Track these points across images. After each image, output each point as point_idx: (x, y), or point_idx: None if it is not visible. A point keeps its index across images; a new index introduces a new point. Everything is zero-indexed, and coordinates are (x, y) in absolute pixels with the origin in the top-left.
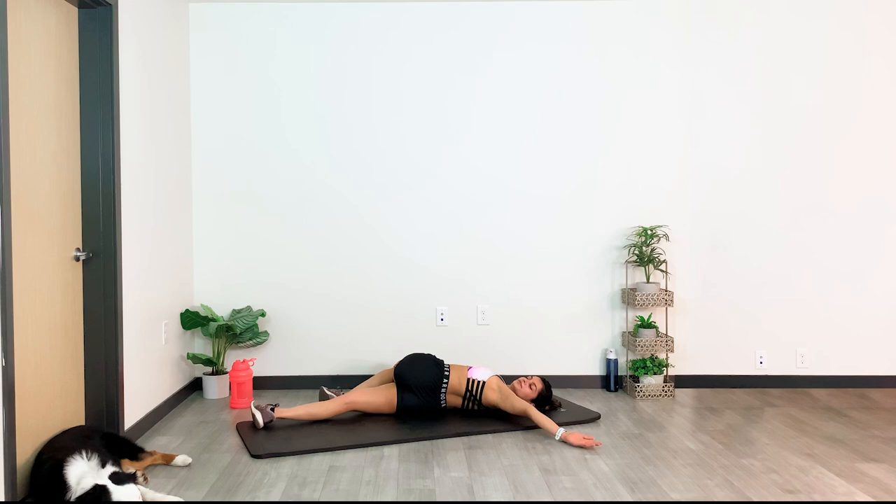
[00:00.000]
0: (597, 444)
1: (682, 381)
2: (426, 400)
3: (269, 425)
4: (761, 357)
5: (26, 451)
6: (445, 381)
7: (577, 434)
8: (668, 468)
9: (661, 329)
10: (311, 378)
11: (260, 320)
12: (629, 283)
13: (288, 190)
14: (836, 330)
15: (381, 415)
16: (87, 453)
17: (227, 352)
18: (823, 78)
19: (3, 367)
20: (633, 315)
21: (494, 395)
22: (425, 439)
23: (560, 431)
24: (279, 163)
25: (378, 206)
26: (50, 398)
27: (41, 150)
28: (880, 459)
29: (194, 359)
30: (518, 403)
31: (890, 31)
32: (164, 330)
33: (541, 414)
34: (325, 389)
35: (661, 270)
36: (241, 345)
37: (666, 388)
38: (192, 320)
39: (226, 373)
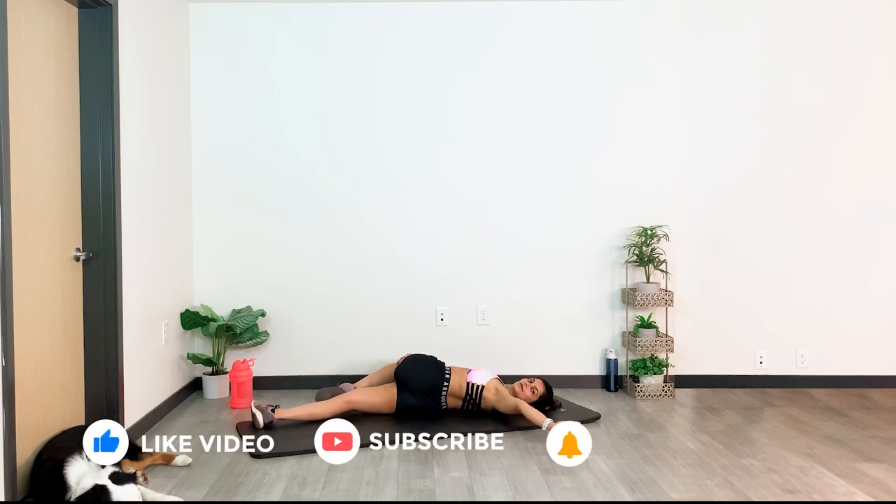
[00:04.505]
0: None
1: (682, 381)
2: (426, 401)
3: (269, 425)
4: (761, 357)
5: (26, 451)
6: (446, 384)
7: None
8: (668, 468)
9: (661, 329)
10: (311, 378)
11: (260, 320)
12: (629, 283)
13: (288, 190)
14: (836, 330)
15: (380, 415)
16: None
17: (227, 352)
18: (823, 78)
19: (3, 367)
20: (633, 315)
21: (492, 397)
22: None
23: (546, 422)
24: (279, 163)
25: (378, 206)
26: (50, 398)
27: (41, 150)
28: (880, 459)
29: (194, 359)
30: (510, 401)
31: (890, 31)
32: (164, 330)
33: (530, 408)
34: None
35: (661, 270)
36: (241, 345)
37: (666, 388)
38: (192, 320)
39: (226, 373)
